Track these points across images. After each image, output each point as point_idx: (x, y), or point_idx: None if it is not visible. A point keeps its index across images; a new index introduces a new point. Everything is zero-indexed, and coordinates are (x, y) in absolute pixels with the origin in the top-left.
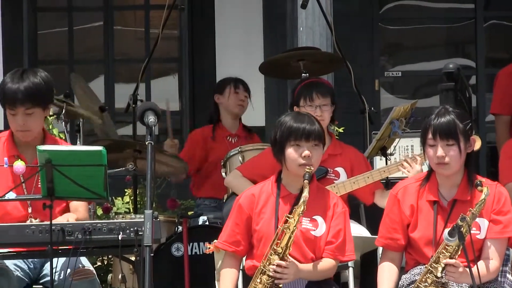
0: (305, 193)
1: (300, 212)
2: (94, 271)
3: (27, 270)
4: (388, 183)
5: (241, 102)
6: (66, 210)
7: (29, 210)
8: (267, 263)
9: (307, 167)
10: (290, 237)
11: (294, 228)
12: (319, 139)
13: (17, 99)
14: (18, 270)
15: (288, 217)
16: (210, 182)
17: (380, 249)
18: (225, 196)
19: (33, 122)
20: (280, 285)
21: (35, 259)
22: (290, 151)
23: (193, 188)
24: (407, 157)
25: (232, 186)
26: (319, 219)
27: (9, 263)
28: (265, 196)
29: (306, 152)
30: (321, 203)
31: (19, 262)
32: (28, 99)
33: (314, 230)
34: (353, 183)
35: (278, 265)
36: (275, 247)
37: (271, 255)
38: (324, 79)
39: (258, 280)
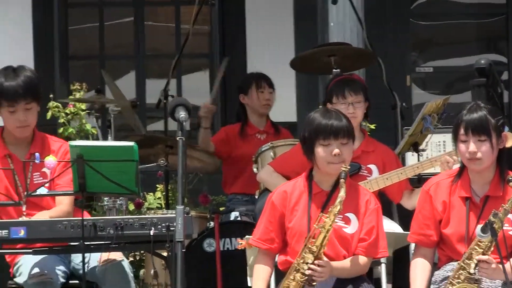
0: (342, 193)
1: (336, 212)
2: (122, 255)
3: (64, 269)
4: (420, 180)
5: (267, 101)
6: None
7: (24, 208)
8: (301, 261)
9: (343, 166)
10: (325, 236)
11: (330, 227)
12: (347, 136)
13: (18, 94)
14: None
15: (324, 217)
16: (241, 179)
17: (412, 245)
18: (257, 192)
19: (32, 117)
20: (314, 283)
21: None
22: (320, 150)
23: (225, 186)
24: (448, 153)
25: (264, 181)
26: (351, 216)
27: (50, 268)
28: (297, 193)
29: (336, 151)
30: (353, 200)
31: (57, 262)
32: (28, 93)
33: (347, 227)
34: (386, 179)
35: (314, 264)
36: (309, 246)
37: (305, 253)
38: (357, 76)
39: (292, 278)
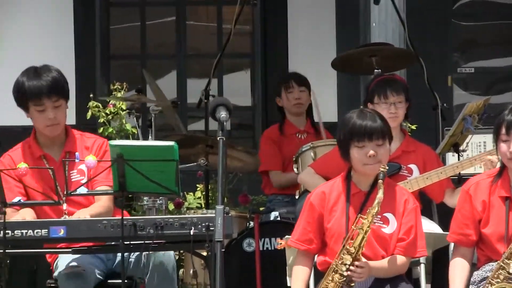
0: (380, 194)
1: (374, 213)
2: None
3: (103, 268)
4: (460, 180)
5: (297, 100)
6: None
7: (64, 206)
8: (340, 262)
9: (382, 167)
10: (363, 238)
11: (368, 229)
12: (382, 137)
13: (43, 93)
14: (95, 269)
15: (362, 218)
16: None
17: (451, 245)
18: (297, 192)
19: (61, 114)
20: (352, 284)
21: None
22: (355, 152)
23: (265, 188)
24: (488, 152)
25: (305, 183)
26: (390, 216)
27: (87, 264)
28: (335, 194)
29: (371, 152)
30: (391, 200)
31: (96, 261)
32: (53, 91)
33: (385, 227)
34: (426, 178)
35: (354, 265)
36: (347, 247)
37: (343, 254)
38: (398, 76)
39: (330, 278)
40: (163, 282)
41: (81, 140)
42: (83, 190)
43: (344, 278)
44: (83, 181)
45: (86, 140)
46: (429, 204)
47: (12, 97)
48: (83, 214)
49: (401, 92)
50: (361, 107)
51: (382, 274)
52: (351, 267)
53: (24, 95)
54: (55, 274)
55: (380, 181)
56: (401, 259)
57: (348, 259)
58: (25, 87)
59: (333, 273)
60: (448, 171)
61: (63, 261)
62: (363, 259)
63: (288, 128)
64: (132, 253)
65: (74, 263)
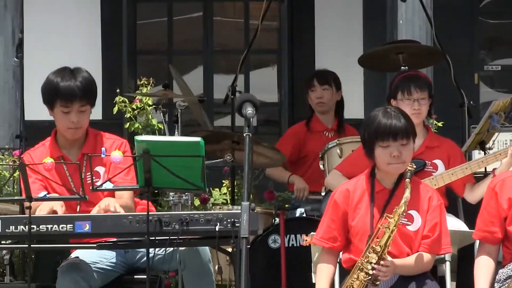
0: (407, 194)
1: (401, 212)
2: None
3: (121, 262)
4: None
5: (319, 98)
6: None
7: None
8: (365, 261)
9: (409, 165)
10: (389, 237)
11: (394, 228)
12: (407, 137)
13: (75, 95)
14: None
15: (388, 217)
16: (307, 176)
17: (477, 243)
18: (323, 189)
19: (85, 119)
20: (378, 282)
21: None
22: (379, 151)
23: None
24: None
25: (332, 186)
26: (414, 213)
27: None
28: (359, 192)
29: (395, 153)
30: (416, 198)
31: (120, 257)
32: (84, 96)
33: (410, 224)
34: (451, 174)
35: (379, 264)
36: (373, 246)
37: (369, 253)
38: (422, 72)
39: (356, 276)
40: (202, 274)
41: (100, 141)
42: (109, 185)
43: (370, 277)
44: (98, 183)
45: (105, 141)
46: (455, 201)
47: (39, 91)
48: (112, 202)
49: (425, 88)
50: (385, 104)
51: (407, 271)
52: (377, 266)
53: (55, 95)
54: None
55: (407, 180)
56: (425, 256)
57: (374, 257)
58: (59, 87)
59: (359, 271)
60: (473, 166)
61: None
62: (389, 258)
63: (315, 125)
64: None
65: (79, 256)
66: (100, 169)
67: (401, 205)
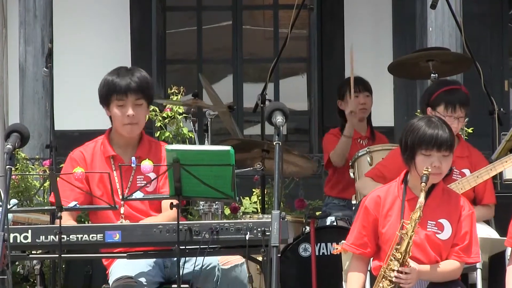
0: (421, 199)
1: (417, 218)
2: (242, 258)
3: (160, 277)
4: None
5: (363, 105)
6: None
7: (122, 210)
8: (388, 268)
9: (425, 169)
10: (408, 243)
11: (412, 234)
12: (450, 149)
13: (130, 88)
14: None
15: (405, 223)
16: (341, 183)
17: (508, 251)
18: (353, 197)
19: (141, 114)
20: None
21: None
22: (420, 159)
23: (327, 185)
24: None
25: (362, 192)
26: (445, 222)
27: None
28: (391, 199)
29: (436, 163)
30: (446, 206)
31: (153, 271)
32: (140, 89)
33: (440, 233)
34: (476, 177)
35: (399, 271)
36: (394, 253)
37: (391, 260)
38: (462, 86)
39: (381, 285)
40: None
41: (156, 148)
42: (139, 194)
43: (393, 285)
44: (148, 189)
45: (162, 150)
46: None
47: (68, 101)
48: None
49: (467, 106)
50: (419, 111)
51: (433, 278)
52: (396, 274)
53: (111, 90)
54: (110, 281)
55: (423, 184)
56: (454, 264)
57: (396, 264)
58: (114, 82)
59: (383, 279)
60: (497, 167)
61: (117, 268)
62: (412, 264)
63: None
64: (203, 266)
65: (123, 273)
66: (152, 175)
67: (416, 210)
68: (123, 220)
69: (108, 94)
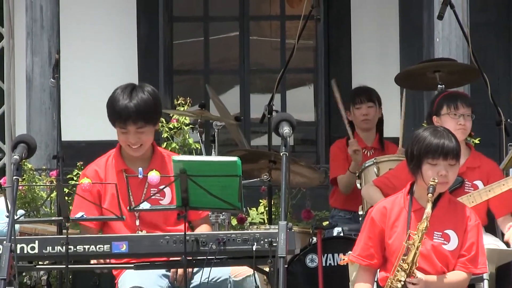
0: (428, 209)
1: (423, 228)
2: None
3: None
4: None
5: (365, 116)
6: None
7: (137, 222)
8: (395, 279)
9: (431, 180)
10: (415, 254)
11: (419, 244)
12: (456, 157)
13: (129, 117)
14: None
15: (412, 234)
16: (346, 195)
17: None
18: (360, 208)
19: (146, 138)
20: None
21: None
22: (427, 168)
23: (332, 198)
24: None
25: (367, 198)
26: (451, 233)
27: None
28: (397, 210)
29: (443, 172)
30: (453, 217)
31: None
32: (139, 118)
33: (446, 244)
34: (488, 191)
35: (406, 282)
36: (401, 264)
37: (397, 271)
38: (464, 92)
39: None
40: None
41: (169, 160)
42: (145, 205)
43: None
44: (162, 201)
45: None
46: (493, 220)
47: (76, 112)
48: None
49: (470, 105)
50: (425, 121)
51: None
52: (405, 284)
53: (112, 114)
54: None
55: (429, 195)
56: (461, 274)
57: (402, 275)
58: (115, 106)
59: None
60: (510, 182)
61: (126, 280)
62: (418, 275)
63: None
64: (213, 279)
65: (138, 285)
66: (167, 189)
67: (423, 221)
68: (139, 231)
69: (110, 116)
